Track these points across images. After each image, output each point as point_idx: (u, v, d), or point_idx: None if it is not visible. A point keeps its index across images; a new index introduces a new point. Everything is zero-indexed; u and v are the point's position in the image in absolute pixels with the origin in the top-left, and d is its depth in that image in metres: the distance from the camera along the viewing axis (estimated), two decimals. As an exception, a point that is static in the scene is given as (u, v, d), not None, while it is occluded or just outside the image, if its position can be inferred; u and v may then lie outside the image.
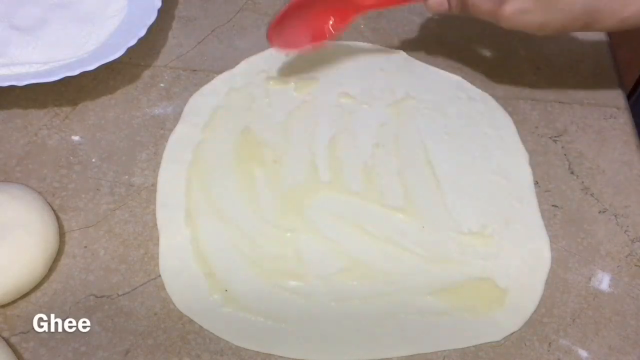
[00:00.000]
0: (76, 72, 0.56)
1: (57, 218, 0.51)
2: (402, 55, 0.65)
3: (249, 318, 0.48)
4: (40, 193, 0.52)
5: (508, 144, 0.59)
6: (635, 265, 0.53)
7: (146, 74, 0.62)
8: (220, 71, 0.62)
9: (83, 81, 0.60)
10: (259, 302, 0.49)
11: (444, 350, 0.48)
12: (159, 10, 0.62)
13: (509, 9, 0.49)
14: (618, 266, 0.53)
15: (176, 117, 0.59)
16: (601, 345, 0.49)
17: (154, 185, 0.54)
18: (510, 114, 0.61)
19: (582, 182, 0.57)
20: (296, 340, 0.48)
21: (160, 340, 0.47)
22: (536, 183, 0.57)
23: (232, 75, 0.62)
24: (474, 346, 0.48)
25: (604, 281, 0.52)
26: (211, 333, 0.48)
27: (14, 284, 0.46)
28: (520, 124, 0.60)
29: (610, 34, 0.69)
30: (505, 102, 0.62)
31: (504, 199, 0.55)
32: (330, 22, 0.58)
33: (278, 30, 0.57)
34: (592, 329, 0.49)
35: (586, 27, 0.50)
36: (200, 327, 0.48)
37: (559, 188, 0.57)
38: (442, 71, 0.64)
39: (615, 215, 0.55)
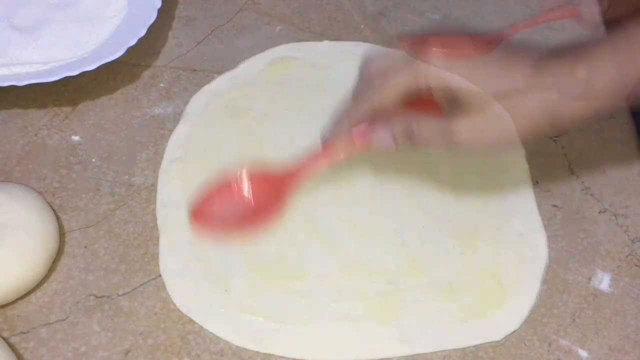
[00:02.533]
0: (76, 72, 0.56)
1: (57, 218, 0.51)
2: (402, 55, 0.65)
3: (249, 318, 0.48)
4: (40, 193, 0.52)
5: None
6: (635, 265, 0.53)
7: (146, 74, 0.62)
8: (220, 71, 0.62)
9: (83, 81, 0.60)
10: (259, 302, 0.49)
11: (444, 350, 0.48)
12: (159, 10, 0.62)
13: (459, 128, 0.43)
14: (618, 266, 0.53)
15: (176, 117, 0.59)
16: (601, 345, 0.49)
17: (154, 185, 0.54)
18: (510, 114, 0.61)
19: (582, 182, 0.57)
20: (296, 340, 0.48)
21: (160, 340, 0.47)
22: (536, 183, 0.57)
23: (234, 75, 0.62)
24: (474, 346, 0.48)
25: (604, 281, 0.52)
26: (211, 333, 0.48)
27: (14, 284, 0.46)
28: (520, 124, 0.60)
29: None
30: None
31: (500, 193, 0.55)
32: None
33: (202, 211, 0.49)
34: (592, 329, 0.49)
35: (553, 127, 0.44)
36: (200, 327, 0.48)
37: (559, 188, 0.57)
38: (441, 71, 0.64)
39: (615, 215, 0.55)
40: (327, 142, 0.49)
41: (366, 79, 0.47)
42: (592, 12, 0.50)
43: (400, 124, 0.45)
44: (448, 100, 0.44)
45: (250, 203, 0.49)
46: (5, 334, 0.46)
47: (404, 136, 0.45)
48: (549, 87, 0.42)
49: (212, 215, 0.49)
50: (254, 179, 0.50)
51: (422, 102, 0.44)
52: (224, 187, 0.49)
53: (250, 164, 0.50)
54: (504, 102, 0.42)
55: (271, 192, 0.49)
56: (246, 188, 0.50)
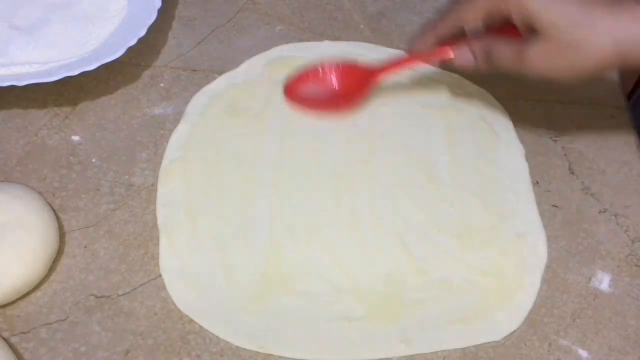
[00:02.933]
0: (76, 72, 0.56)
1: (57, 218, 0.51)
2: (402, 55, 0.65)
3: (249, 318, 0.48)
4: (40, 193, 0.52)
5: (504, 138, 0.59)
6: (635, 265, 0.53)
7: (146, 74, 0.62)
8: (220, 71, 0.62)
9: (83, 81, 0.60)
10: (259, 302, 0.49)
11: (444, 350, 0.48)
12: (159, 10, 0.62)
13: (532, 54, 0.47)
14: (618, 266, 0.53)
15: (176, 117, 0.59)
16: (601, 345, 0.49)
17: (154, 185, 0.54)
18: (510, 114, 0.61)
19: (582, 182, 0.57)
20: (296, 340, 0.48)
21: (160, 340, 0.47)
22: (536, 183, 0.57)
23: (234, 75, 0.62)
24: (474, 346, 0.48)
25: (604, 281, 0.52)
26: (211, 333, 0.48)
27: (14, 284, 0.46)
28: (520, 124, 0.60)
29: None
30: (505, 102, 0.62)
31: (500, 193, 0.55)
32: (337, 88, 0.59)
33: (295, 88, 0.59)
34: (592, 329, 0.49)
35: (619, 66, 0.48)
36: (200, 327, 0.48)
37: (559, 188, 0.57)
38: (441, 70, 0.64)
39: (615, 215, 0.55)
40: (413, 50, 0.55)
41: (455, 22, 0.52)
42: (464, 58, 0.52)
43: (480, 43, 0.50)
44: (526, 27, 0.47)
45: (337, 88, 0.59)
46: (5, 334, 0.46)
47: (482, 55, 0.50)
48: (623, 27, 0.44)
49: (303, 93, 0.59)
50: (344, 68, 0.59)
51: (503, 27, 0.49)
52: (316, 70, 0.59)
53: (338, 58, 0.59)
54: (579, 34, 0.45)
55: (357, 83, 0.58)
56: (335, 74, 0.59)
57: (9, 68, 0.58)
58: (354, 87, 0.58)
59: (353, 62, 0.59)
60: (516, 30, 0.48)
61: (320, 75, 0.59)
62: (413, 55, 0.56)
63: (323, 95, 0.59)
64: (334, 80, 0.59)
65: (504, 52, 0.49)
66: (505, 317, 0.49)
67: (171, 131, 0.58)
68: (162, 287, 0.49)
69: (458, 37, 0.52)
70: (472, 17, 0.50)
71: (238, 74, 0.62)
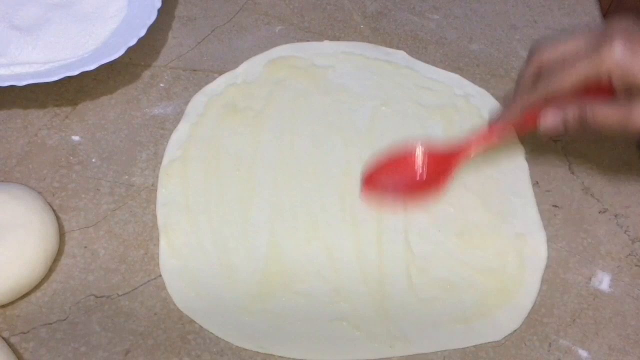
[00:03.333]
0: (76, 72, 0.56)
1: (57, 218, 0.51)
2: (402, 55, 0.65)
3: (249, 318, 0.48)
4: (40, 193, 0.52)
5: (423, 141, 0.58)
6: (636, 265, 0.53)
7: (146, 74, 0.62)
8: (220, 71, 0.62)
9: (83, 81, 0.60)
10: (259, 302, 0.49)
11: (444, 350, 0.48)
12: (159, 10, 0.62)
13: None
14: (618, 266, 0.53)
15: (176, 117, 0.59)
16: (601, 345, 0.49)
17: (154, 185, 0.54)
18: (510, 114, 0.61)
19: (582, 182, 0.57)
20: (296, 340, 0.48)
21: (160, 340, 0.47)
22: (536, 183, 0.57)
23: (234, 75, 0.62)
24: (474, 346, 0.48)
25: (604, 281, 0.52)
26: (211, 333, 0.48)
27: (14, 284, 0.46)
28: (520, 124, 0.60)
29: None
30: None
31: (500, 193, 0.55)
32: (421, 172, 0.55)
33: (374, 179, 0.55)
34: (592, 329, 0.49)
35: None
36: (200, 327, 0.48)
37: (559, 188, 0.57)
38: (441, 70, 0.64)
39: (615, 215, 0.55)
40: (495, 123, 0.52)
41: (537, 64, 0.50)
42: (554, 123, 0.49)
43: (574, 108, 0.47)
44: (627, 89, 0.45)
45: (418, 176, 0.55)
46: (5, 334, 0.46)
47: (576, 121, 0.47)
48: None
49: (381, 183, 0.54)
50: (423, 154, 0.55)
51: (594, 89, 0.46)
52: (394, 159, 0.55)
53: (419, 141, 0.55)
54: None
55: (437, 168, 0.54)
56: (416, 161, 0.55)
57: (9, 68, 0.58)
58: (436, 170, 0.54)
59: (433, 144, 0.55)
60: (597, 91, 0.46)
61: (400, 162, 0.55)
62: (494, 129, 0.52)
63: (404, 183, 0.55)
64: (414, 166, 0.55)
65: (608, 114, 0.46)
66: (505, 317, 0.49)
67: (171, 131, 0.58)
68: (162, 287, 0.49)
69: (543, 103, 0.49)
70: (569, 84, 0.47)
71: (238, 74, 0.62)
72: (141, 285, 0.49)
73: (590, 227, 0.55)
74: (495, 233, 0.53)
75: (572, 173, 0.58)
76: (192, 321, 0.48)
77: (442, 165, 0.54)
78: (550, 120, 0.48)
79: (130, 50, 0.59)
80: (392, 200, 0.54)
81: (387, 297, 0.50)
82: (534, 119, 0.49)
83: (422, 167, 0.54)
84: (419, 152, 0.54)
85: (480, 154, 0.54)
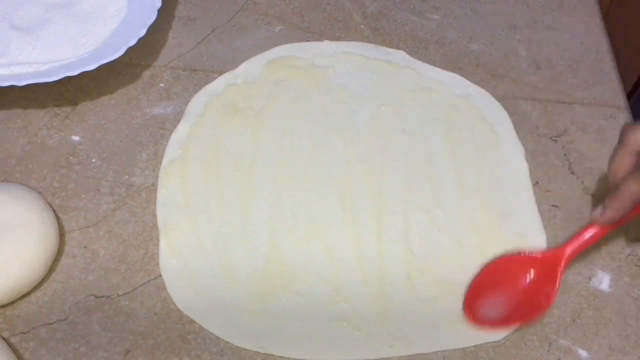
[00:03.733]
0: (76, 72, 0.56)
1: (57, 218, 0.51)
2: (402, 55, 0.65)
3: (249, 318, 0.48)
4: (40, 193, 0.52)
5: (504, 138, 0.59)
6: (636, 265, 0.53)
7: (146, 74, 0.62)
8: (220, 71, 0.62)
9: (83, 81, 0.60)
10: (259, 302, 0.49)
11: (444, 350, 0.48)
12: (159, 10, 0.62)
13: None
14: (618, 266, 0.53)
15: (176, 117, 0.59)
16: (601, 345, 0.49)
17: (154, 185, 0.54)
18: (510, 114, 0.61)
19: (582, 182, 0.57)
20: (296, 340, 0.48)
21: (160, 340, 0.47)
22: (536, 183, 0.57)
23: (234, 75, 0.62)
24: (474, 346, 0.48)
25: (604, 281, 0.52)
26: (211, 333, 0.48)
27: (14, 284, 0.46)
28: (520, 124, 0.60)
29: (610, 34, 0.69)
30: (505, 102, 0.62)
31: (500, 193, 0.55)
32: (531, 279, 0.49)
33: (475, 304, 0.49)
34: (592, 329, 0.49)
35: None
36: (200, 327, 0.48)
37: (559, 188, 0.57)
38: (441, 70, 0.64)
39: (615, 215, 0.55)
40: (602, 220, 0.47)
41: (637, 147, 0.45)
42: None
43: None
44: None
45: (522, 291, 0.49)
46: (5, 334, 0.46)
47: None
48: None
49: (485, 307, 0.49)
50: (522, 266, 0.49)
51: None
52: (493, 278, 0.49)
53: (514, 253, 0.50)
54: None
55: (543, 278, 0.49)
56: (517, 275, 0.49)
57: (9, 68, 0.58)
58: (542, 280, 0.49)
59: (527, 256, 0.50)
60: None
61: (498, 281, 0.50)
62: (607, 225, 0.48)
63: (507, 301, 0.49)
64: (516, 282, 0.49)
65: None
66: (506, 317, 0.49)
67: (171, 131, 0.58)
68: (162, 287, 0.49)
69: None
70: None
71: (238, 74, 0.62)
72: (141, 285, 0.49)
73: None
74: (495, 233, 0.53)
75: (572, 173, 0.58)
76: (192, 321, 0.48)
77: (547, 275, 0.49)
78: None
79: (130, 50, 0.59)
80: (501, 323, 0.49)
81: (387, 297, 0.50)
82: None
83: (528, 278, 0.49)
84: (522, 262, 0.49)
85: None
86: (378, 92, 0.62)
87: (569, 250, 0.48)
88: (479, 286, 0.49)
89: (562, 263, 0.48)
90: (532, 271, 0.49)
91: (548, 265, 0.49)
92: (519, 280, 0.49)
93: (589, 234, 0.48)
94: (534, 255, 0.50)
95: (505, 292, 0.49)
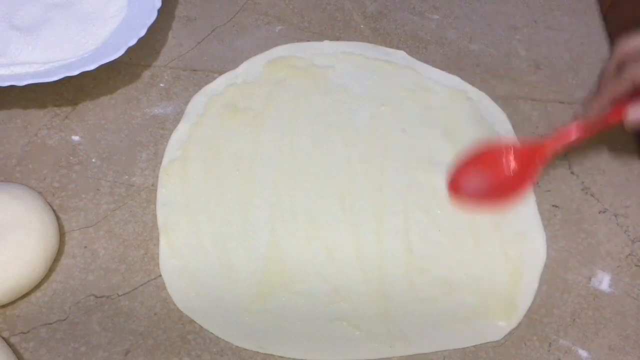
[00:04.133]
0: (76, 72, 0.56)
1: (57, 218, 0.51)
2: (402, 55, 0.65)
3: (249, 318, 0.48)
4: (40, 193, 0.52)
5: (504, 138, 0.59)
6: (636, 265, 0.53)
7: (146, 74, 0.62)
8: (220, 71, 0.62)
9: (83, 81, 0.60)
10: (259, 302, 0.49)
11: (444, 350, 0.48)
12: (159, 10, 0.62)
13: None
14: (618, 266, 0.53)
15: (176, 117, 0.59)
16: (601, 345, 0.49)
17: (154, 185, 0.54)
18: (510, 114, 0.61)
19: (582, 182, 0.57)
20: (296, 340, 0.48)
21: (160, 340, 0.47)
22: (536, 183, 0.57)
23: (234, 75, 0.62)
24: (474, 346, 0.48)
25: (604, 281, 0.52)
26: (211, 333, 0.48)
27: (14, 284, 0.46)
28: (520, 124, 0.60)
29: (610, 34, 0.69)
30: (505, 102, 0.62)
31: None
32: (513, 168, 0.54)
33: (458, 180, 0.54)
34: (592, 329, 0.49)
35: None
36: (200, 327, 0.48)
37: (559, 188, 0.57)
38: (441, 71, 0.64)
39: (615, 215, 0.55)
40: (581, 117, 0.52)
41: (621, 56, 0.49)
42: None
43: None
44: None
45: (504, 175, 0.54)
46: (5, 334, 0.46)
47: None
48: None
49: (467, 185, 0.54)
50: (506, 152, 0.54)
51: None
52: (478, 159, 0.55)
53: (502, 138, 0.55)
54: None
55: (524, 165, 0.53)
56: (503, 159, 0.54)
57: (9, 68, 0.58)
58: (522, 168, 0.54)
59: (515, 141, 0.55)
60: None
61: (486, 160, 0.55)
62: (580, 123, 0.52)
63: (488, 183, 0.55)
64: (502, 164, 0.54)
65: None
66: (504, 317, 0.49)
67: (171, 131, 0.58)
68: (162, 287, 0.49)
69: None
70: None
71: (238, 74, 0.62)
72: (141, 285, 0.49)
73: (590, 227, 0.55)
74: (495, 233, 0.53)
75: (572, 173, 0.58)
76: (192, 321, 0.48)
77: (528, 163, 0.53)
78: (638, 110, 0.47)
79: (130, 50, 0.59)
80: (480, 201, 0.54)
81: (387, 297, 0.50)
82: (620, 113, 0.49)
83: (510, 164, 0.54)
84: (506, 149, 0.54)
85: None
86: (378, 92, 0.62)
87: (549, 143, 0.53)
88: (463, 169, 0.55)
89: (544, 155, 0.53)
90: (512, 160, 0.54)
91: (529, 155, 0.53)
92: (500, 166, 0.54)
93: (569, 132, 0.52)
94: (517, 146, 0.54)
95: (488, 174, 0.54)
